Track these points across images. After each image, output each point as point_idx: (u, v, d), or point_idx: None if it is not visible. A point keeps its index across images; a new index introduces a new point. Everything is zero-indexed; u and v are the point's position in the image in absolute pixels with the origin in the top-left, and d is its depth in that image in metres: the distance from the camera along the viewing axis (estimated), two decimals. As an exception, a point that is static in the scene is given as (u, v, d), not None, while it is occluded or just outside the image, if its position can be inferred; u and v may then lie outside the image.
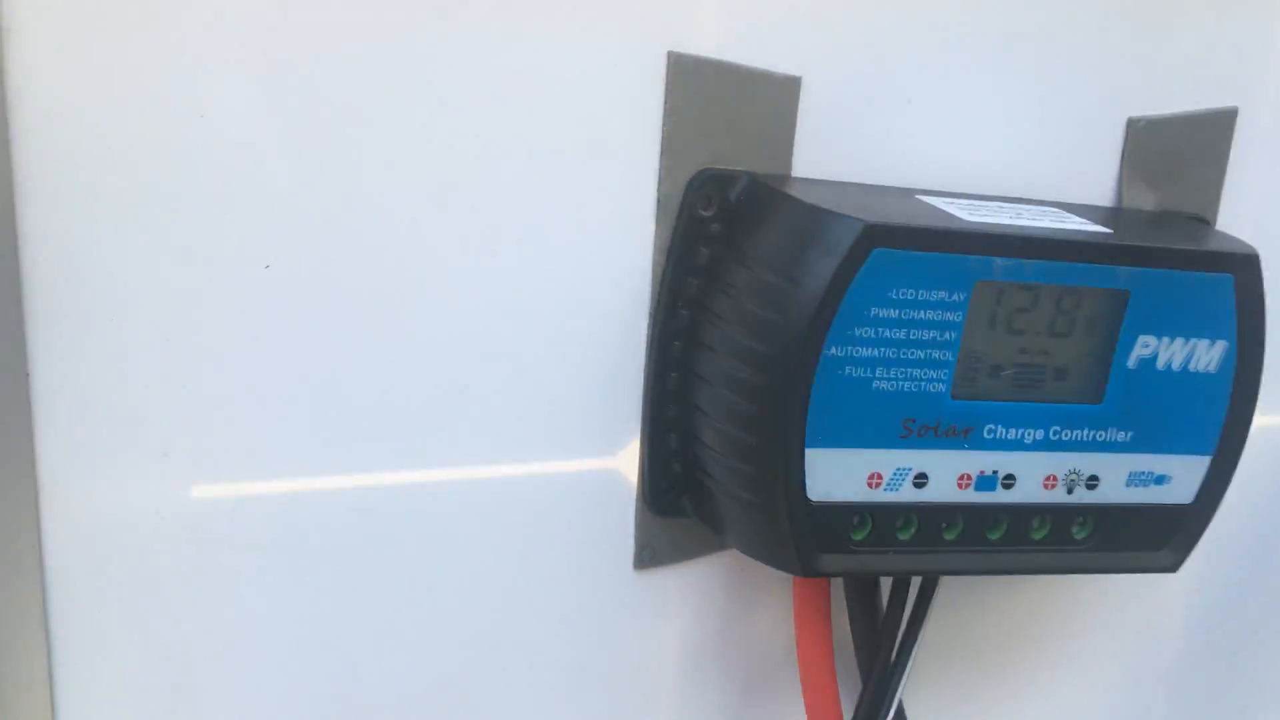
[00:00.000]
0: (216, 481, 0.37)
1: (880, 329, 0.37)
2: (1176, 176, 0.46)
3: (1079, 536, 0.42)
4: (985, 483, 0.40)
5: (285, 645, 0.39)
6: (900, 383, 0.38)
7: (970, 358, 0.39)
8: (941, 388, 0.39)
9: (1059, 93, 0.44)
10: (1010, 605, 0.50)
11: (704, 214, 0.40)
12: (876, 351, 0.38)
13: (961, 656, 0.50)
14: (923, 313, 0.38)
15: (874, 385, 0.38)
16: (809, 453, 0.38)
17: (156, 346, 0.36)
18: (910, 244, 0.37)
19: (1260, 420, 0.50)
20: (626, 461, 0.42)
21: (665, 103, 0.39)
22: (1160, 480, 0.42)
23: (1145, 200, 0.46)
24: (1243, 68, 0.47)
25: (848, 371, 0.37)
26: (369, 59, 0.36)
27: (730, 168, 0.40)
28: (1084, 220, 0.41)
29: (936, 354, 0.38)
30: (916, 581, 0.43)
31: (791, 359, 0.37)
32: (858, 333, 0.37)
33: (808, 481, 0.38)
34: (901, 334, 0.38)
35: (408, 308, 0.38)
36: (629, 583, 0.44)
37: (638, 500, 0.43)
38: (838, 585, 0.43)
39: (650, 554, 0.43)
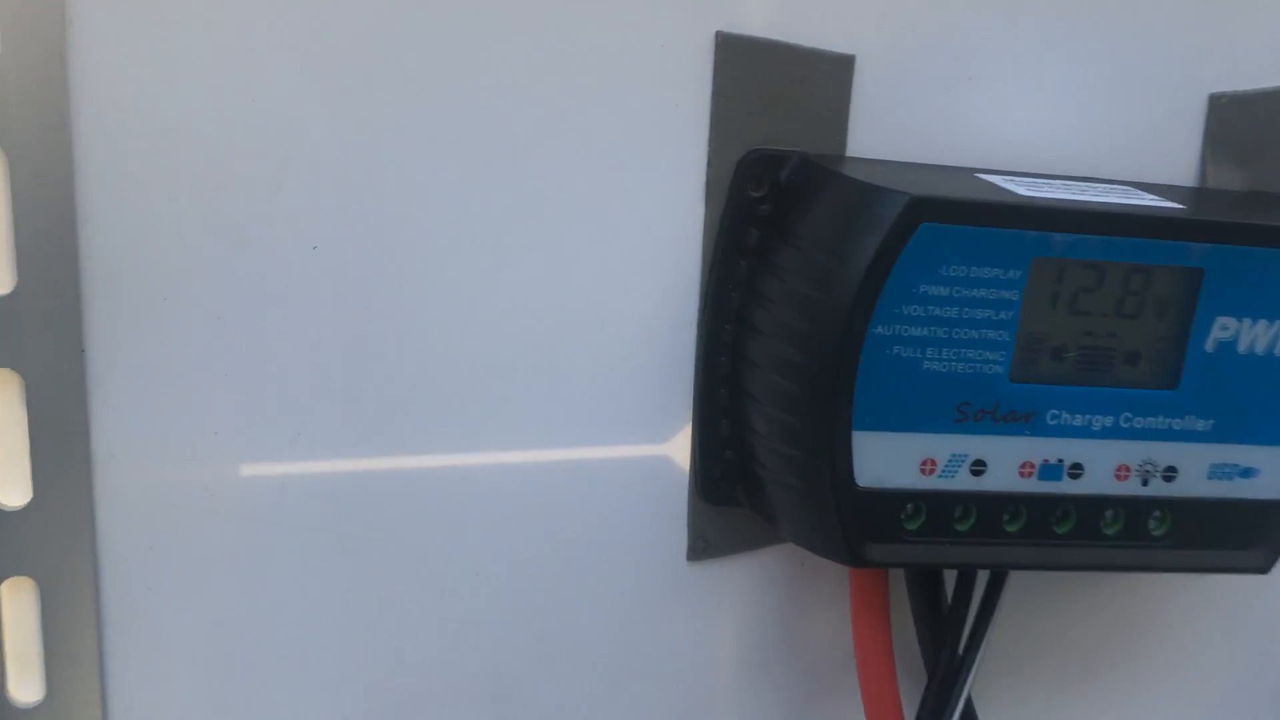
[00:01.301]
0: (265, 461, 0.38)
1: (930, 307, 0.36)
2: (1265, 155, 0.43)
3: (1156, 532, 0.39)
4: (1050, 472, 0.38)
5: (331, 627, 0.39)
6: (953, 364, 0.37)
7: (1029, 339, 0.37)
8: (999, 370, 0.37)
9: (1134, 68, 0.42)
10: (1094, 603, 0.47)
11: (754, 195, 0.39)
12: (927, 331, 0.36)
13: (1038, 659, 0.47)
14: (976, 291, 0.36)
15: (925, 366, 0.36)
16: (856, 436, 0.36)
17: (208, 327, 0.37)
18: (960, 218, 0.35)
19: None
20: (678, 449, 0.41)
21: (714, 83, 0.39)
22: (1247, 474, 0.39)
23: (1231, 180, 0.43)
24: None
25: (896, 351, 0.36)
26: (417, 44, 0.36)
27: (781, 148, 0.39)
28: (1156, 197, 0.39)
29: (992, 334, 0.37)
30: (984, 574, 0.41)
31: (835, 337, 0.35)
32: (906, 311, 0.36)
33: (856, 466, 0.37)
34: (954, 313, 0.36)
35: (456, 291, 0.38)
36: (683, 575, 0.43)
37: (690, 489, 0.42)
38: (899, 578, 0.42)
39: (705, 545, 0.42)
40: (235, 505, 0.38)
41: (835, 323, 0.35)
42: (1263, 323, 0.38)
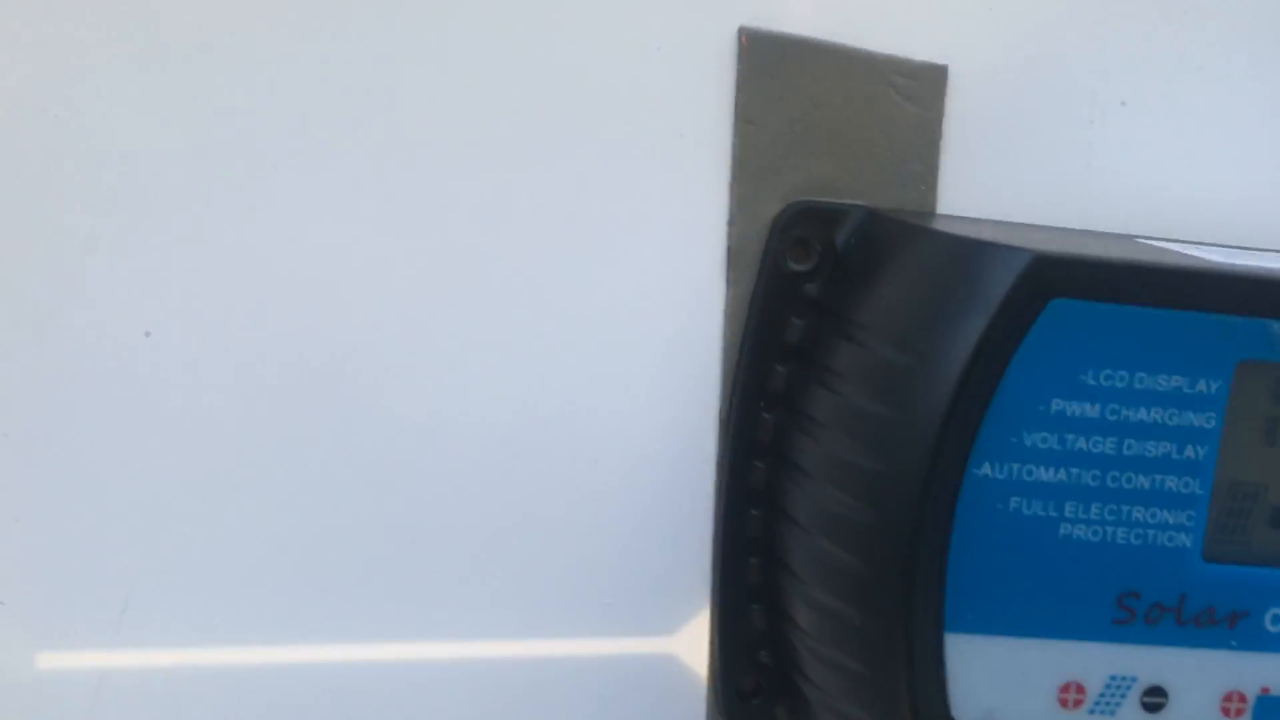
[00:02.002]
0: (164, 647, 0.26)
1: (1070, 437, 0.22)
2: None
3: None
4: (1273, 708, 0.24)
5: None
6: (1111, 529, 0.23)
7: (1235, 493, 0.23)
8: (1185, 541, 0.23)
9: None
10: None
11: (797, 268, 0.27)
12: (1064, 474, 0.23)
13: None
14: (1146, 411, 0.23)
15: (1062, 532, 0.23)
16: (951, 642, 0.23)
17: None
18: (1113, 292, 0.22)
19: None
20: (691, 645, 0.28)
21: (737, 103, 0.26)
22: None
23: None
24: None
25: (1015, 507, 0.22)
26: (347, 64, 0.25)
27: (837, 200, 0.27)
28: None
29: (1174, 483, 0.23)
30: None
31: (916, 483, 0.22)
32: (1030, 441, 0.22)
33: (951, 692, 0.23)
34: (1109, 446, 0.23)
35: (394, 414, 0.26)
36: (703, 841, 0.29)
37: (709, 706, 0.28)
38: None
39: (732, 795, 0.29)
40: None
41: (916, 460, 0.22)
42: None
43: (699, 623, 0.28)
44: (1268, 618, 0.24)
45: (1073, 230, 0.27)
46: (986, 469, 0.22)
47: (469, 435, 0.27)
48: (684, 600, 0.28)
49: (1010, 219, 0.28)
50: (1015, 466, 0.23)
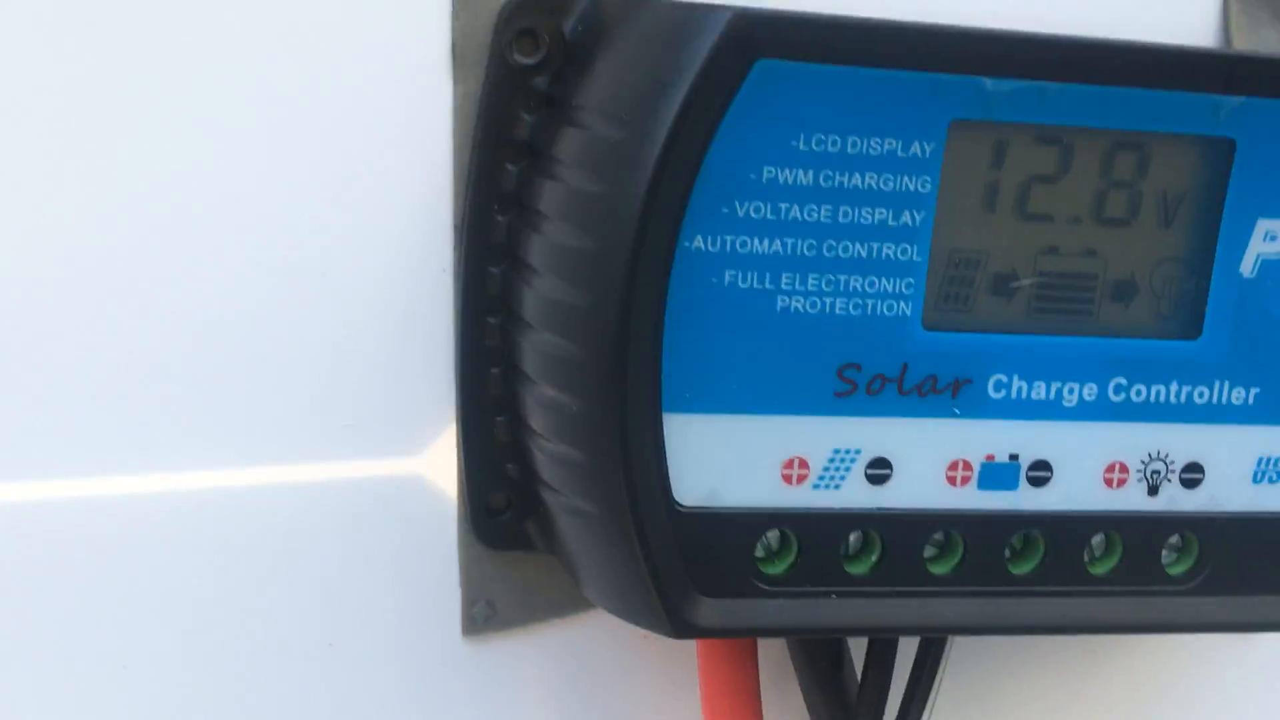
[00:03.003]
0: None
1: (783, 205, 0.22)
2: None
3: (1175, 571, 0.25)
4: (997, 476, 0.24)
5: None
6: (829, 300, 0.22)
7: (954, 260, 0.23)
8: (905, 310, 0.23)
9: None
10: (1091, 670, 0.33)
11: (524, 61, 0.25)
12: (779, 245, 0.22)
13: None
14: (860, 177, 0.22)
15: (779, 305, 0.22)
16: (670, 422, 0.22)
17: None
18: (824, 51, 0.21)
19: None
20: (439, 464, 0.27)
21: (449, -118, 0.25)
22: (1315, 473, 0.25)
23: (1266, 42, 0.29)
24: None
25: (729, 279, 0.22)
26: None
27: (566, -13, 0.25)
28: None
29: (891, 251, 0.22)
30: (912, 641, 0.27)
31: (624, 258, 0.21)
32: (742, 212, 0.22)
33: (673, 474, 0.22)
34: (824, 214, 0.22)
35: (77, 234, 0.24)
36: (456, 657, 0.28)
37: (460, 526, 0.27)
38: (779, 646, 0.27)
39: (487, 612, 0.28)
40: None
41: (623, 236, 0.21)
42: (1332, 228, 0.24)
43: (446, 440, 0.27)
44: (990, 384, 0.24)
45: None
46: (698, 242, 0.22)
47: (193, 256, 0.25)
48: (429, 417, 0.27)
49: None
50: (728, 238, 0.22)
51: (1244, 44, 0.29)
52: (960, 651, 0.30)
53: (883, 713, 0.27)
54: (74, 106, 0.24)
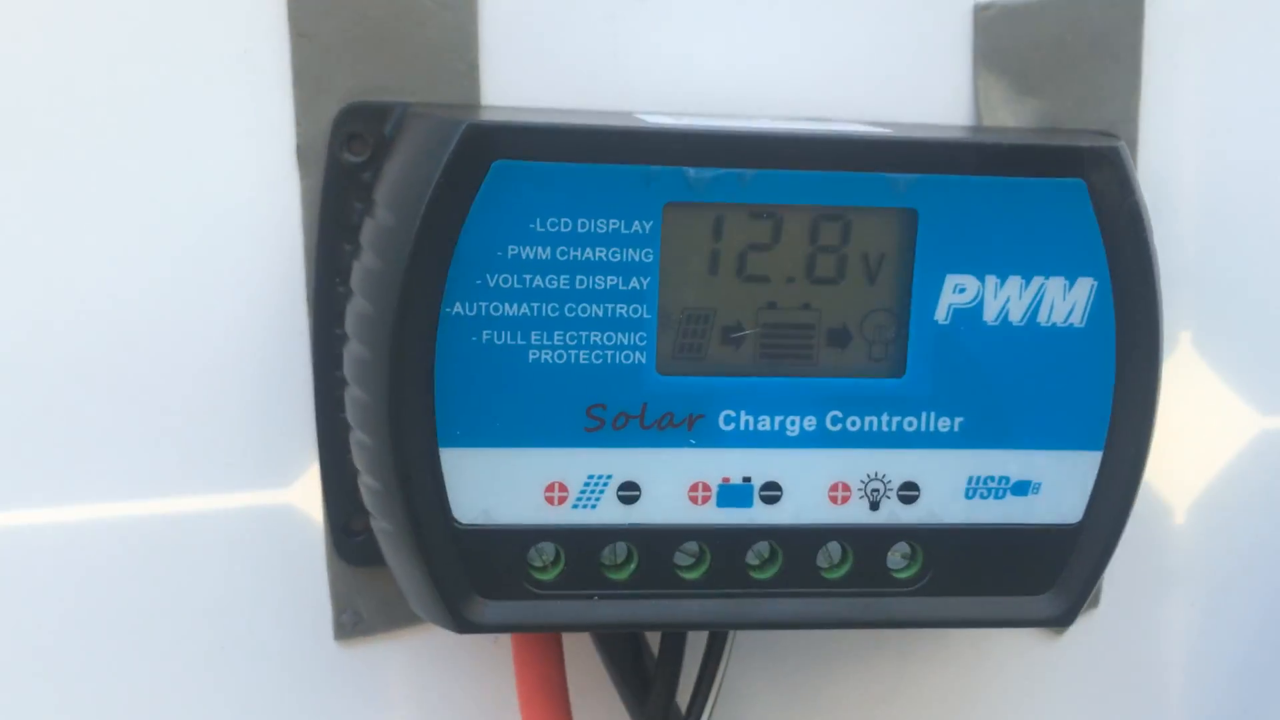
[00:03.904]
0: None
1: (529, 276, 0.27)
2: (1062, 82, 0.33)
3: (903, 575, 0.29)
4: (733, 495, 0.28)
5: None
6: (573, 352, 0.27)
7: (682, 315, 0.28)
8: (641, 359, 0.27)
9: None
10: (871, 656, 0.37)
11: (353, 159, 0.31)
12: (528, 308, 0.27)
13: None
14: (592, 251, 0.27)
15: (531, 357, 0.27)
16: (446, 455, 0.27)
17: None
18: (548, 152, 0.26)
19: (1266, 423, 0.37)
20: (306, 494, 0.32)
21: (290, 23, 0.30)
22: (1022, 489, 0.29)
23: (1017, 116, 0.33)
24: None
25: (487, 338, 0.27)
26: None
27: (387, 99, 0.31)
28: (871, 127, 0.30)
29: (624, 310, 0.27)
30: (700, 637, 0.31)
31: (394, 322, 0.26)
32: (493, 283, 0.27)
33: (451, 497, 0.27)
34: (563, 282, 0.27)
35: None
36: (331, 659, 0.33)
37: (328, 547, 0.33)
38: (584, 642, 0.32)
39: (355, 619, 0.33)
40: None
41: (393, 303, 0.26)
42: (1015, 280, 0.28)
43: (311, 473, 0.33)
44: (721, 418, 0.28)
45: (590, 112, 0.31)
46: (458, 307, 0.27)
47: (72, 325, 0.31)
48: (296, 456, 0.32)
49: (553, 105, 0.32)
50: (482, 304, 0.27)
51: (992, 120, 0.33)
52: (776, 649, 0.35)
53: (673, 697, 0.31)
54: None
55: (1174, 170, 0.35)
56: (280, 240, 0.31)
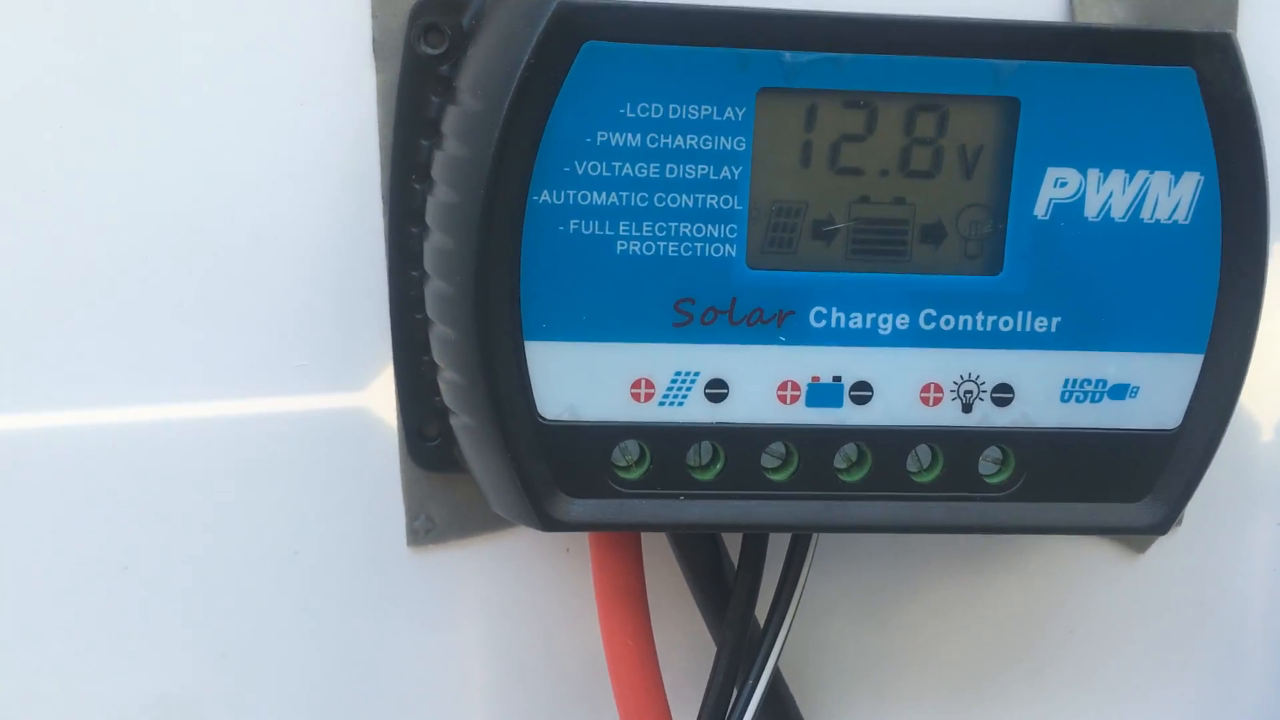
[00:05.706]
0: None
1: (618, 164, 0.26)
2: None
3: (994, 479, 0.28)
4: (823, 394, 0.28)
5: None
6: (662, 244, 0.26)
7: (773, 209, 0.27)
8: (731, 251, 0.27)
9: None
10: (961, 569, 0.36)
11: (430, 52, 0.30)
12: (617, 197, 0.26)
13: (868, 653, 0.36)
14: (682, 138, 0.26)
15: (619, 248, 0.26)
16: (531, 348, 0.27)
17: None
18: (642, 32, 0.25)
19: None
20: (380, 397, 0.32)
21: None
22: (1120, 392, 0.28)
23: (1112, 14, 0.32)
24: None
25: (575, 228, 0.26)
26: None
27: (467, -13, 0.30)
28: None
29: (715, 201, 0.26)
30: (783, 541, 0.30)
31: (481, 211, 0.26)
32: (581, 170, 0.26)
33: (536, 392, 0.27)
34: (653, 171, 0.26)
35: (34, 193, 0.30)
36: (402, 566, 0.33)
37: (401, 451, 0.32)
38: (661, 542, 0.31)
39: (428, 526, 0.33)
40: None
41: (479, 192, 0.26)
42: (1119, 174, 0.27)
43: (385, 377, 0.32)
44: (812, 315, 0.27)
45: None
46: (545, 196, 0.26)
47: (151, 226, 0.30)
48: (369, 358, 0.32)
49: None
50: (570, 193, 0.26)
51: (1085, 19, 0.32)
52: (854, 563, 0.34)
53: (753, 607, 0.31)
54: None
55: (1273, 72, 0.33)
56: (355, 135, 0.31)
